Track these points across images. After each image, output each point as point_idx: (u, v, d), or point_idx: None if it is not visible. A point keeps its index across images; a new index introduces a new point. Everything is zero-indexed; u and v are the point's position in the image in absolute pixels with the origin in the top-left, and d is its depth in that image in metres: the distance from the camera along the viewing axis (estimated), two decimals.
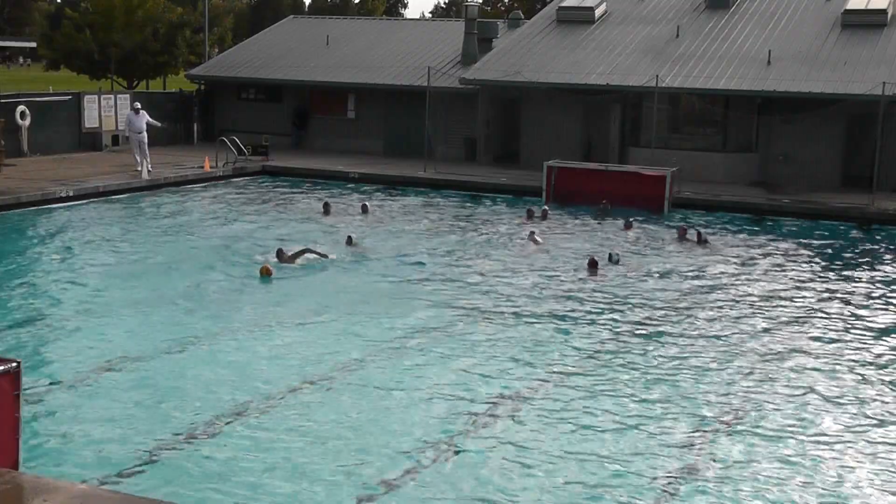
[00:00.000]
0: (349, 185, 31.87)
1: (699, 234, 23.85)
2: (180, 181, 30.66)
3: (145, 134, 30.87)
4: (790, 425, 11.84)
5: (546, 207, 27.04)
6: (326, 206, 26.67)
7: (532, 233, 23.88)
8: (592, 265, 19.80)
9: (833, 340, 15.72)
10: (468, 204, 29.22)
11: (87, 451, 10.37)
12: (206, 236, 23.01)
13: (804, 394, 13.01)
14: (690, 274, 20.36)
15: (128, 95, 38.30)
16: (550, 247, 22.60)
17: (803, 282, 20.03)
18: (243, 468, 10.08)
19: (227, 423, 11.23)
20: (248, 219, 25.49)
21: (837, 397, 12.94)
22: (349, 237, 21.95)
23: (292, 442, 10.79)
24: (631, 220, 25.68)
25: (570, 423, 11.60)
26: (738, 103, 32.84)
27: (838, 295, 18.89)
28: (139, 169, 30.18)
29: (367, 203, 27.12)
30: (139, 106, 31.75)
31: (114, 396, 12.00)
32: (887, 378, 13.79)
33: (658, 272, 20.34)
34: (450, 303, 17.10)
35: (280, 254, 19.56)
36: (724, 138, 33.68)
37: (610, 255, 20.80)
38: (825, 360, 14.63)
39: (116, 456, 10.25)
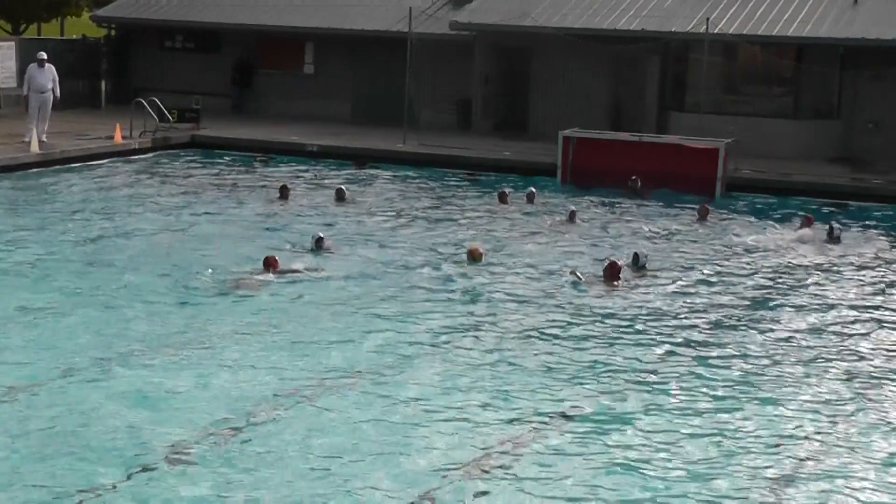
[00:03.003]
0: (309, 161, 32.12)
1: (831, 228, 23.68)
2: (83, 156, 30.41)
3: (50, 94, 30.80)
4: None
5: (533, 189, 27.12)
6: (284, 189, 26.52)
7: (573, 213, 24.62)
8: (612, 272, 19.22)
9: None
10: (463, 185, 29.48)
11: None
12: (117, 228, 22.79)
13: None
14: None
15: (12, 43, 37.97)
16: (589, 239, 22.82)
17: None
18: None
19: (157, 460, 11.36)
20: (172, 205, 25.30)
21: None
22: (319, 237, 21.35)
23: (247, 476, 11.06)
24: (706, 205, 25.89)
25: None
26: (814, 55, 32.78)
27: None
28: (27, 139, 29.85)
29: (343, 187, 27.05)
30: (45, 57, 31.34)
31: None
32: None
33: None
34: (440, 317, 17.10)
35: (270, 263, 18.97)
36: (796, 101, 33.85)
37: (636, 256, 20.38)
38: None
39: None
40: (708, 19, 31.57)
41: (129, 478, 11.00)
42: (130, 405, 12.91)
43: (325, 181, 28.84)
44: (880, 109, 32.13)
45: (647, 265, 20.21)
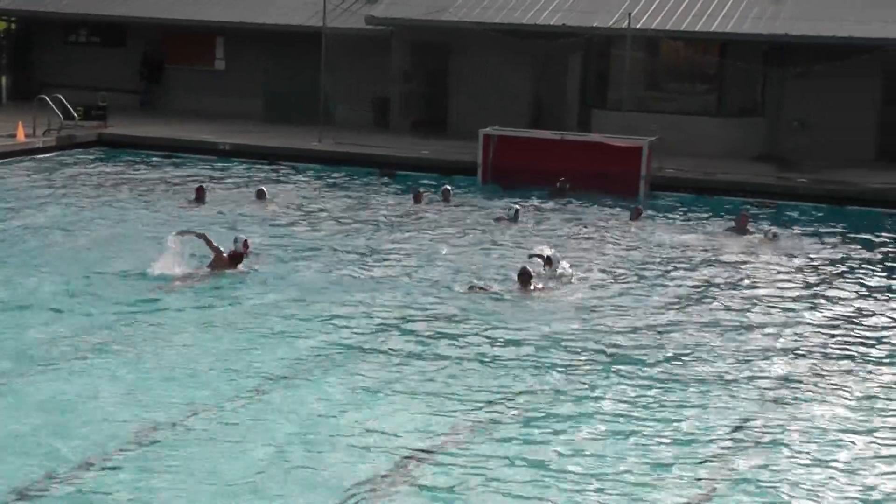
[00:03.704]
0: (220, 161, 32.03)
1: (774, 233, 23.83)
2: None
3: None
4: None
5: (448, 187, 27.22)
6: (200, 191, 26.29)
7: (516, 211, 24.80)
8: (524, 278, 18.97)
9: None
10: (379, 185, 29.50)
11: None
12: (17, 230, 22.59)
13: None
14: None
15: None
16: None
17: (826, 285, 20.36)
18: None
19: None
20: (78, 207, 25.06)
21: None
22: (244, 242, 21.05)
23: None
24: (639, 206, 26.11)
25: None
26: (738, 51, 33.06)
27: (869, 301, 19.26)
28: None
29: (264, 188, 27.00)
30: None
31: None
32: None
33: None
34: (354, 325, 16.90)
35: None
36: (720, 98, 34.08)
37: (548, 257, 20.16)
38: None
39: None
40: (630, 14, 31.72)
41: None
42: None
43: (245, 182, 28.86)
44: (806, 108, 32.36)
45: (559, 267, 19.96)
